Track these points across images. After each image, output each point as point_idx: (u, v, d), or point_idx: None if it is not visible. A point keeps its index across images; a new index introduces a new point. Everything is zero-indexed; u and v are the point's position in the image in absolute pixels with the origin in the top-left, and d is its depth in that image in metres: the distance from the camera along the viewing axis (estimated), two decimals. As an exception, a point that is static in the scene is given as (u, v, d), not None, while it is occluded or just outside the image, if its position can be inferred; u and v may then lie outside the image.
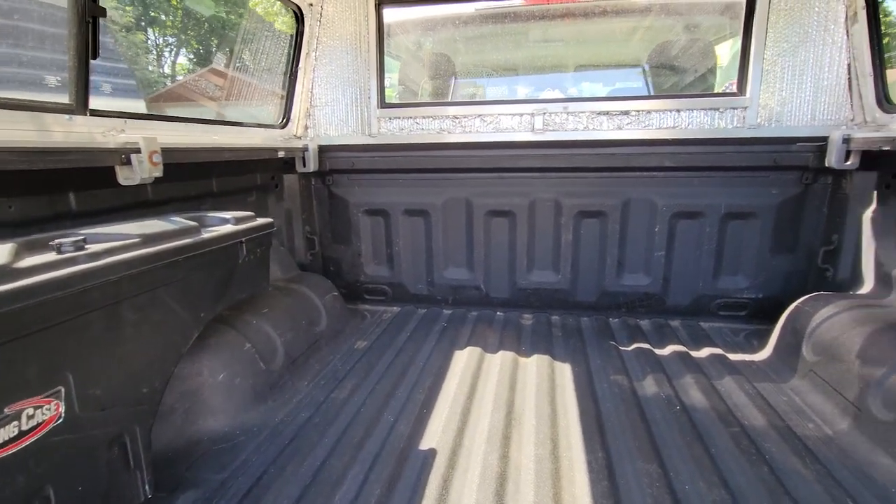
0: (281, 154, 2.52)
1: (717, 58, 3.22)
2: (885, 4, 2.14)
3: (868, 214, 2.22)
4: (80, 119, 1.53)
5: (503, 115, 2.65)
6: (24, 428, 0.92)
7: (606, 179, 2.61)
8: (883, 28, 2.12)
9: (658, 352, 2.32)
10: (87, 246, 1.09)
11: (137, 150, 1.53)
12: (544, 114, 2.59)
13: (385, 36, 2.74)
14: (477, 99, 3.83)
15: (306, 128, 2.85)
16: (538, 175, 2.68)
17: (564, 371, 2.15)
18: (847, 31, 2.21)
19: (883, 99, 2.12)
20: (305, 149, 2.69)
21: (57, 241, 1.06)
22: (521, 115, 2.62)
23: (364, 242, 2.96)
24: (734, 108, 2.41)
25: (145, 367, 1.27)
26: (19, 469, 0.93)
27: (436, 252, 2.89)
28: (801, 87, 2.34)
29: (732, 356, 2.27)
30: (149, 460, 1.31)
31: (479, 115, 2.67)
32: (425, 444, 1.64)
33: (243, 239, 1.58)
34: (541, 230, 2.75)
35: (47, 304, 0.96)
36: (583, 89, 3.73)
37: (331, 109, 2.82)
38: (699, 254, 2.60)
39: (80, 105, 1.53)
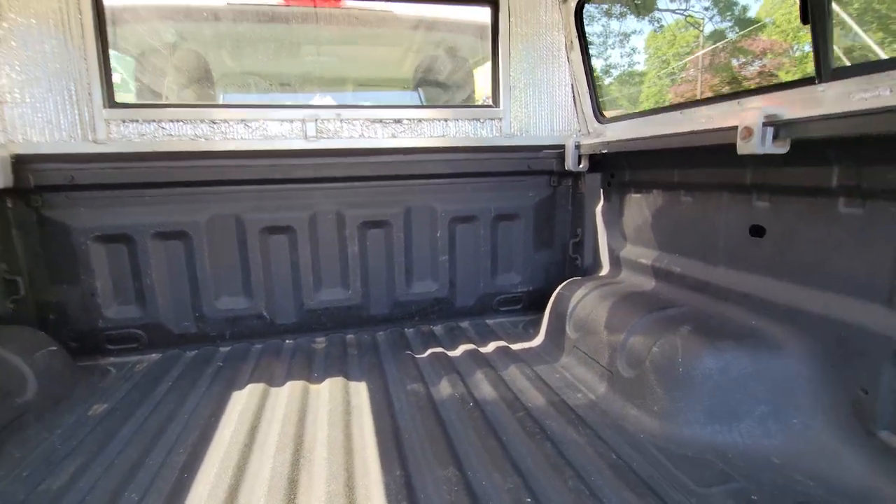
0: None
1: (475, 79, 3.54)
2: (591, 37, 2.61)
3: (599, 209, 2.65)
4: None
5: (270, 122, 2.40)
6: None
7: (387, 188, 2.58)
8: (593, 54, 2.59)
9: (451, 354, 2.34)
10: None
11: None
12: (316, 120, 2.43)
13: (109, 21, 2.22)
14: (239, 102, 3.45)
15: (-9, 131, 2.11)
16: (316, 185, 2.50)
17: (360, 390, 1.99)
18: (568, 57, 2.64)
19: (598, 112, 2.58)
20: (-15, 156, 1.98)
21: None
22: (292, 121, 2.42)
23: (100, 278, 2.32)
24: (492, 119, 2.65)
25: None
26: None
27: (203, 280, 2.44)
28: (541, 103, 2.69)
29: (514, 346, 2.43)
30: None
31: (243, 121, 2.37)
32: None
33: None
34: (325, 245, 2.56)
35: None
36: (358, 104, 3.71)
37: (31, 108, 2.15)
38: (478, 255, 2.76)
39: None
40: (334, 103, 2.97)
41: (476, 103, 3.50)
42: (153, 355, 2.42)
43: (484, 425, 1.69)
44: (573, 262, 2.82)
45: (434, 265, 2.72)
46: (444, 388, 1.98)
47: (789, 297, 1.62)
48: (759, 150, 1.43)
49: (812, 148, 1.44)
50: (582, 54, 2.54)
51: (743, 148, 1.45)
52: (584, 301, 2.27)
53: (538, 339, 2.50)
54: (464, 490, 1.34)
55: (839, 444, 1.41)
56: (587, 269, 2.74)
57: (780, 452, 1.45)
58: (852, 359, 1.41)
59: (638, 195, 2.38)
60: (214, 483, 1.41)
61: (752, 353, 1.57)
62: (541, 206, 2.78)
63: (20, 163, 2.11)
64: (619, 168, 2.47)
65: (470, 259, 2.75)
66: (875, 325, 1.36)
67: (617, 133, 2.32)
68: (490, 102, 2.70)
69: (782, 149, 1.43)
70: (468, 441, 1.60)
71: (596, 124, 2.57)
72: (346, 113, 2.47)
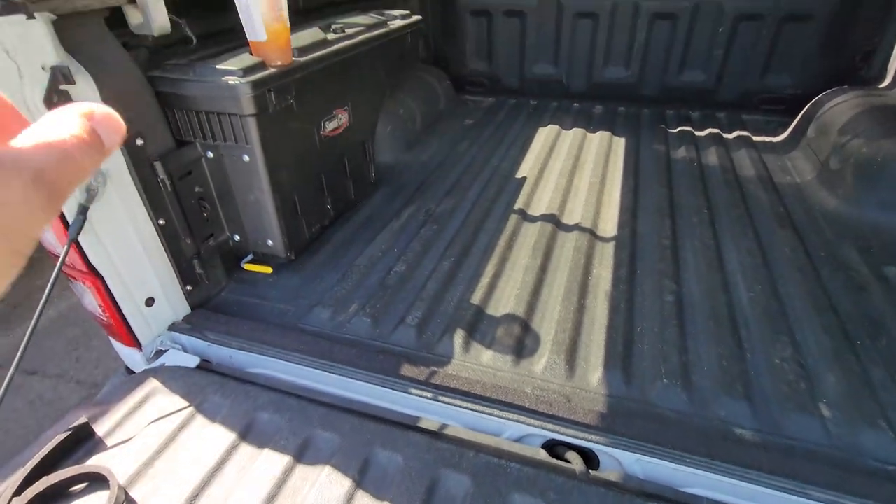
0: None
1: None
2: None
3: (908, 16, 2.57)
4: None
5: None
6: (338, 123, 1.93)
7: None
8: None
9: (697, 133, 3.03)
10: (345, 30, 1.95)
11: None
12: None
13: None
14: None
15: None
16: None
17: (619, 144, 2.96)
18: None
19: None
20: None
21: (331, 26, 1.93)
22: None
23: (469, 40, 3.61)
24: None
25: (371, 107, 2.23)
26: (339, 144, 1.97)
27: (528, 49, 3.51)
28: None
29: (756, 137, 2.94)
30: (372, 163, 2.36)
31: None
32: (521, 173, 2.61)
33: (409, 31, 2.36)
34: (619, 30, 3.26)
35: (339, 60, 1.86)
36: None
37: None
38: (754, 53, 3.06)
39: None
40: None
41: None
42: (490, 98, 3.77)
43: (700, 177, 2.51)
44: (857, 71, 2.88)
45: (708, 58, 3.17)
46: (680, 153, 2.79)
47: None
48: None
49: None
50: None
51: None
52: (836, 107, 2.57)
53: (781, 136, 2.93)
54: (667, 198, 2.31)
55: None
56: (868, 81, 2.81)
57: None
58: None
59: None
60: (535, 159, 2.70)
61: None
62: (844, 8, 2.79)
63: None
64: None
65: (745, 56, 3.09)
66: None
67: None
68: None
69: None
70: (683, 175, 2.49)
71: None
72: None
